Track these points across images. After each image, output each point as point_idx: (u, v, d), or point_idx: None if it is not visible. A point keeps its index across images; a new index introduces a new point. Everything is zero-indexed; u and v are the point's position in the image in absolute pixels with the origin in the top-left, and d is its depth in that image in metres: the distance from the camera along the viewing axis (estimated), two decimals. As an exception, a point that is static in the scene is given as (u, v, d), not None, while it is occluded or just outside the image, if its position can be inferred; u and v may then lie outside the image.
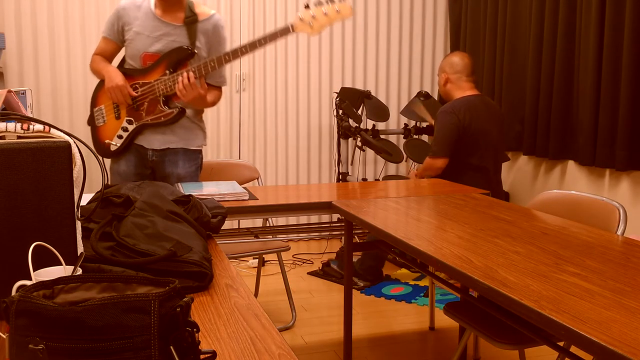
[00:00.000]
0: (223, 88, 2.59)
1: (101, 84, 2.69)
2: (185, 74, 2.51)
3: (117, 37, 2.67)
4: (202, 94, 2.57)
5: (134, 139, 2.66)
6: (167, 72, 2.57)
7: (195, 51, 2.59)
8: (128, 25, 2.61)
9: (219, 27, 2.67)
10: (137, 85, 2.60)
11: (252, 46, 2.51)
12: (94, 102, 2.72)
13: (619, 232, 1.96)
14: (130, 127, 2.63)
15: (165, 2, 2.58)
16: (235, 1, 4.36)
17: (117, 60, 2.75)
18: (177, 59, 2.58)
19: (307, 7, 2.53)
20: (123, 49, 2.70)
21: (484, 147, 3.24)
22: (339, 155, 4.20)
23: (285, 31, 2.51)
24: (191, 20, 2.60)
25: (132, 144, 2.66)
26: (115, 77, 2.58)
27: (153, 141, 2.66)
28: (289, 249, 3.05)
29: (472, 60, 3.38)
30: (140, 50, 2.60)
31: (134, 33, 2.60)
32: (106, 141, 2.66)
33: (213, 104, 2.74)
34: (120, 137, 2.65)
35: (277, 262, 4.16)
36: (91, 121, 2.73)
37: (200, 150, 2.78)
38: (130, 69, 2.63)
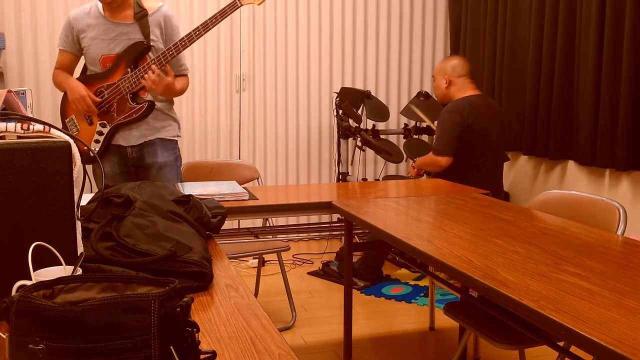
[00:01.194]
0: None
1: (66, 96, 2.74)
2: (150, 70, 2.55)
3: (73, 47, 2.72)
4: (170, 82, 2.62)
5: (110, 140, 2.71)
6: (129, 69, 2.61)
7: (152, 44, 2.64)
8: (82, 33, 2.66)
9: (169, 17, 2.72)
10: (102, 89, 2.65)
11: (205, 27, 2.57)
12: (64, 114, 2.78)
13: (619, 232, 1.96)
14: (105, 130, 2.68)
15: (111, 5, 2.62)
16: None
17: (79, 69, 2.79)
18: (135, 54, 2.62)
19: None
20: (82, 57, 2.75)
21: (485, 147, 3.24)
22: (339, 155, 4.20)
23: (233, 6, 2.57)
24: (141, 15, 2.65)
25: (109, 145, 2.71)
26: (77, 89, 2.64)
27: (130, 138, 2.71)
28: (289, 249, 3.05)
29: (471, 63, 3.41)
30: (99, 54, 2.65)
31: (90, 39, 2.65)
32: (85, 148, 2.69)
33: (182, 91, 2.80)
34: (97, 141, 2.70)
35: (277, 262, 4.16)
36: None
37: (177, 140, 2.83)
38: (92, 75, 2.68)
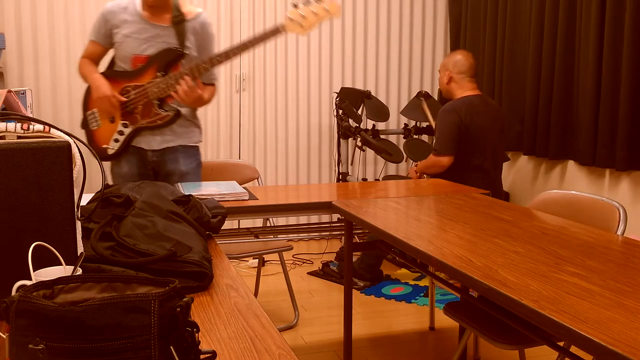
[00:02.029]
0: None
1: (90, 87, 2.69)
2: (183, 81, 2.50)
3: (104, 41, 2.66)
4: (200, 94, 2.57)
5: (131, 142, 2.66)
6: (159, 74, 2.56)
7: (186, 52, 2.58)
8: (116, 29, 2.60)
9: (207, 25, 2.66)
10: (129, 89, 2.60)
11: (243, 47, 2.50)
12: (86, 106, 2.72)
13: (619, 232, 1.96)
14: (127, 131, 2.63)
15: (153, 7, 2.56)
16: (236, 1, 4.36)
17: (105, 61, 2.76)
18: (167, 60, 2.57)
19: (295, 6, 2.52)
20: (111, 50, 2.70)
21: (484, 146, 3.24)
22: (339, 155, 4.20)
23: (275, 31, 2.49)
24: (179, 20, 2.59)
25: (129, 146, 2.67)
26: (102, 88, 2.58)
27: (151, 142, 2.65)
28: (292, 248, 3.05)
29: (475, 60, 3.39)
30: (130, 53, 2.59)
31: (123, 36, 2.59)
32: (103, 146, 2.66)
33: (210, 101, 2.74)
34: (116, 140, 2.65)
35: (277, 262, 4.16)
36: (85, 125, 2.73)
37: (198, 146, 2.78)
38: (120, 72, 2.63)
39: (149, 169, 2.70)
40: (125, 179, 2.67)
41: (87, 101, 2.71)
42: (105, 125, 2.65)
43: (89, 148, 1.17)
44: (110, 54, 2.71)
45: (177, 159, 2.69)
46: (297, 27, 2.51)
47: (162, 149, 2.67)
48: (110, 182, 2.81)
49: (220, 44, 4.35)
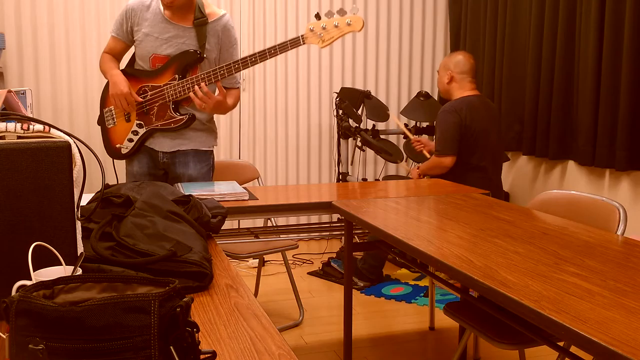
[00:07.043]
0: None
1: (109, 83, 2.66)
2: (197, 87, 2.47)
3: (126, 37, 2.64)
4: (220, 99, 2.53)
5: (144, 142, 2.64)
6: (176, 76, 2.53)
7: (205, 55, 2.55)
8: (137, 26, 2.57)
9: (229, 27, 2.61)
10: (146, 89, 2.57)
11: (262, 56, 2.45)
12: (103, 103, 2.70)
13: (619, 232, 1.96)
14: (141, 131, 2.61)
15: (172, 7, 2.52)
16: (236, 1, 4.36)
17: (127, 57, 2.74)
18: (186, 63, 2.54)
19: (317, 17, 2.46)
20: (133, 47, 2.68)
21: (484, 147, 3.24)
22: (339, 155, 4.20)
23: (295, 42, 2.45)
24: (201, 22, 2.55)
25: (143, 146, 2.66)
26: (120, 84, 2.55)
27: (163, 144, 2.64)
28: (297, 246, 3.05)
29: (475, 62, 3.39)
30: (150, 52, 2.56)
31: (143, 34, 2.56)
32: (117, 145, 2.66)
33: (234, 106, 2.70)
34: (130, 140, 2.63)
35: (277, 262, 4.16)
36: (101, 122, 2.72)
37: (212, 150, 2.75)
38: (139, 70, 2.61)
39: (161, 169, 2.69)
40: (136, 178, 2.67)
41: (105, 98, 2.69)
42: (120, 123, 2.64)
43: (89, 148, 1.17)
44: (132, 50, 2.69)
45: (188, 163, 2.66)
46: (316, 39, 2.45)
47: (173, 152, 2.65)
48: (123, 180, 2.81)
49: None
